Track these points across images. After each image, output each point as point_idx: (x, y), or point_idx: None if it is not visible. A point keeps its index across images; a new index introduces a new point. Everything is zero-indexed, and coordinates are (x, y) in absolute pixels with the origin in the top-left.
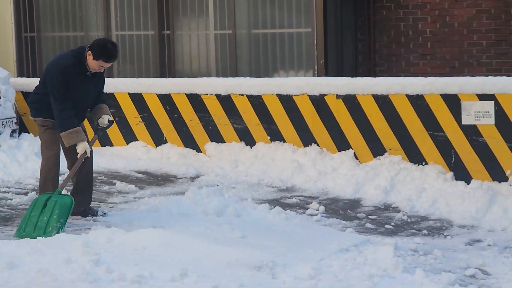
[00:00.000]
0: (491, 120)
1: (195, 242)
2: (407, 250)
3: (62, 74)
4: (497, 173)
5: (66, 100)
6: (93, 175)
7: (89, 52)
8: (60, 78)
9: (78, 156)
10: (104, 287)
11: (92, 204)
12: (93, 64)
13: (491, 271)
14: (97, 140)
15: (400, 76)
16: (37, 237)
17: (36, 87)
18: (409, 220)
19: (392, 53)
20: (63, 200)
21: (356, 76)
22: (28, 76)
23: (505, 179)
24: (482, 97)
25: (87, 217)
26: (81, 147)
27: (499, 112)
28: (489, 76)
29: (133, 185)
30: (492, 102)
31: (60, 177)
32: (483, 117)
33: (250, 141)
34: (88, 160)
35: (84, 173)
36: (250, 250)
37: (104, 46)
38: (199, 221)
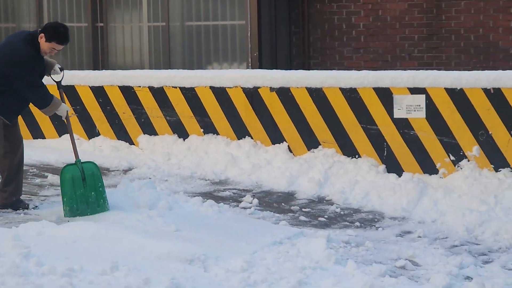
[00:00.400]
0: (422, 114)
1: (126, 235)
2: (339, 242)
3: (29, 62)
4: (427, 166)
5: (37, 79)
6: (25, 168)
7: (42, 34)
8: (28, 66)
9: (64, 118)
10: (34, 281)
11: (24, 197)
12: (45, 46)
13: (421, 262)
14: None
15: (334, 69)
16: (94, 214)
17: None
18: (342, 213)
19: (326, 47)
20: (94, 169)
21: (290, 69)
22: None
23: (436, 171)
24: (414, 90)
25: (17, 210)
26: (62, 110)
27: (430, 105)
28: (421, 70)
29: None
30: (423, 96)
31: None
32: (414, 110)
33: (183, 134)
34: (18, 151)
35: (14, 163)
36: (182, 243)
37: (57, 28)
38: (131, 214)
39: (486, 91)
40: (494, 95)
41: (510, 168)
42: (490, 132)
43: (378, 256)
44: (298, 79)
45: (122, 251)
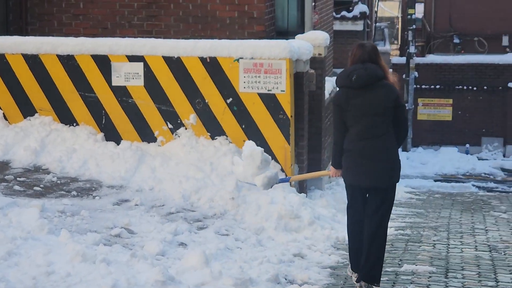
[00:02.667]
0: (141, 82)
1: None
2: (54, 212)
3: None
4: (146, 134)
5: None
6: None
7: None
8: None
9: None
10: None
11: None
12: None
13: (136, 230)
14: None
15: (52, 35)
16: None
17: None
18: (59, 182)
19: (45, 12)
20: None
21: (7, 35)
22: None
23: (154, 139)
24: (132, 58)
25: None
26: None
27: (148, 73)
28: (139, 38)
29: None
30: (141, 64)
31: None
32: (133, 78)
33: None
34: None
35: None
36: None
37: None
38: None
39: (202, 59)
40: (210, 64)
41: (226, 136)
42: (206, 101)
43: (94, 225)
44: (13, 45)
45: None
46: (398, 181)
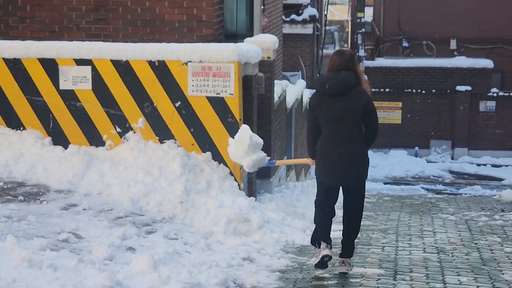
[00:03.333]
0: (89, 85)
1: None
2: (0, 217)
3: None
4: (94, 138)
5: None
6: None
7: None
8: None
9: None
10: None
11: None
12: None
13: (84, 234)
14: None
15: None
16: None
17: None
18: (5, 187)
19: None
20: None
21: None
22: None
23: (102, 143)
24: (80, 62)
25: None
26: None
27: (96, 77)
28: (87, 42)
29: None
30: (89, 67)
31: None
32: (81, 82)
33: None
34: None
35: None
36: None
37: None
38: None
39: (151, 63)
40: (159, 68)
41: (174, 139)
42: (155, 104)
43: (41, 230)
44: None
45: None
46: (366, 178)
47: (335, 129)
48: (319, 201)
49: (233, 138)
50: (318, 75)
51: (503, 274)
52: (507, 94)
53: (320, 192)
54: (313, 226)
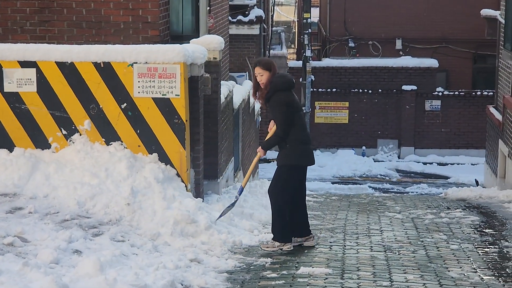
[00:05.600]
0: (34, 87)
1: None
2: None
3: None
4: (40, 141)
5: None
6: None
7: None
8: None
9: None
10: None
11: None
12: None
13: (30, 238)
14: None
15: None
16: None
17: None
18: None
19: None
20: None
21: None
22: None
23: (48, 146)
24: (24, 64)
25: None
26: None
27: (41, 79)
28: (31, 43)
29: None
30: (34, 69)
31: None
32: (26, 84)
33: None
34: None
35: None
36: None
37: None
38: None
39: (96, 65)
40: (104, 69)
41: (121, 141)
42: (101, 106)
43: None
44: None
45: None
46: None
47: (303, 117)
48: (288, 188)
49: (184, 149)
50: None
51: (449, 271)
52: (452, 93)
53: (295, 179)
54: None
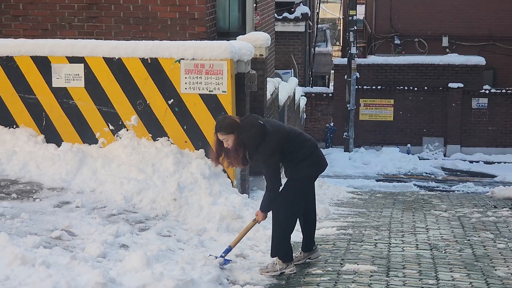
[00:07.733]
0: (81, 83)
1: None
2: None
3: None
4: (87, 136)
5: None
6: None
7: None
8: None
9: None
10: None
11: None
12: None
13: (77, 232)
14: None
15: None
16: None
17: None
18: None
19: None
20: None
21: None
22: None
23: (95, 141)
24: (72, 59)
25: None
26: None
27: (89, 74)
28: (79, 39)
29: None
30: (82, 65)
31: None
32: (73, 79)
33: None
34: None
35: None
36: None
37: None
38: None
39: (143, 60)
40: (151, 65)
41: (167, 137)
42: (148, 102)
43: (34, 227)
44: None
45: None
46: None
47: (293, 137)
48: (297, 201)
49: None
50: (310, 79)
51: (496, 270)
52: (499, 91)
53: (302, 191)
54: None
